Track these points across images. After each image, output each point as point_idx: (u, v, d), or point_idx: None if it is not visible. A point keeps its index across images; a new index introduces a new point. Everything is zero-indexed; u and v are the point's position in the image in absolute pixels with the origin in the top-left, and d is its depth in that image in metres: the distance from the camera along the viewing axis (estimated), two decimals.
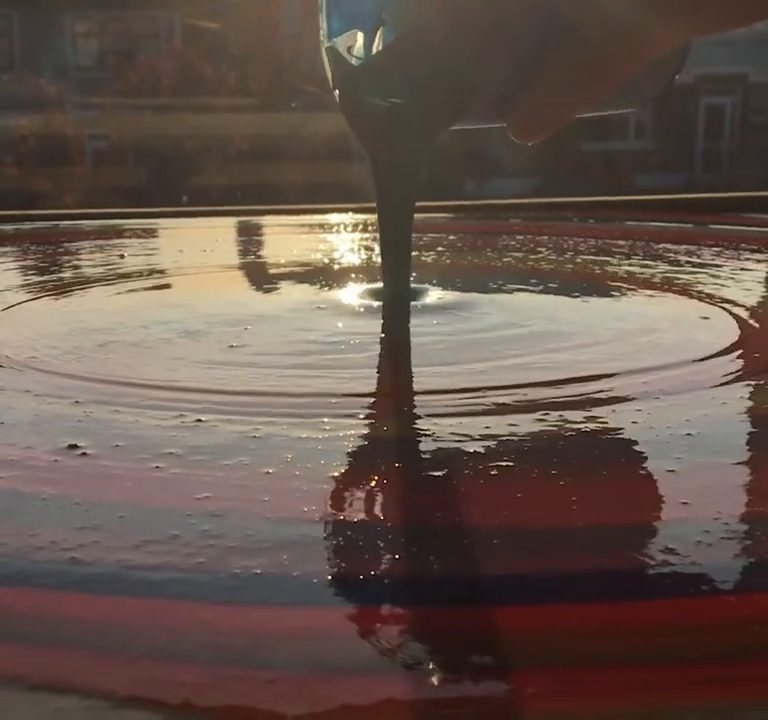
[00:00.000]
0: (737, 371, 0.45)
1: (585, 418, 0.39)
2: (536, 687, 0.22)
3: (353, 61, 0.43)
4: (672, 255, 0.80)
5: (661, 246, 0.85)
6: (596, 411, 0.40)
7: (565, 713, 0.21)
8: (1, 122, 6.79)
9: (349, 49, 0.43)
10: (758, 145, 9.13)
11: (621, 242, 0.89)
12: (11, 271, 0.80)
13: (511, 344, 0.50)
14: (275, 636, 0.24)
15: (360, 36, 0.43)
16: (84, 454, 0.35)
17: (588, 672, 0.23)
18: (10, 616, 0.25)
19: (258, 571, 0.27)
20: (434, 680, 0.22)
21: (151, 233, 1.03)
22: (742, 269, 0.73)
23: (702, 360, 0.47)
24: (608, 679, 0.22)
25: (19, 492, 0.33)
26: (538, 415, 0.39)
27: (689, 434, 0.37)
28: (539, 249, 0.84)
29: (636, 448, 0.36)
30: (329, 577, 0.27)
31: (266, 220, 1.12)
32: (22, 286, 0.71)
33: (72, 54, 8.17)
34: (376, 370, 0.47)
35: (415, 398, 0.43)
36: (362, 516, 0.31)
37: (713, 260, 0.78)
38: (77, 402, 0.41)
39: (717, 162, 8.96)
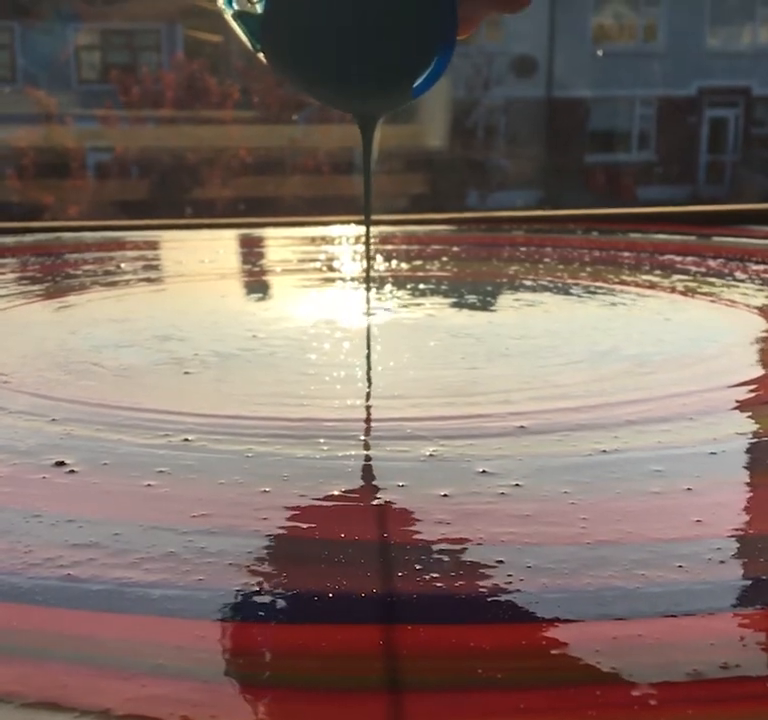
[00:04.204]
0: None
1: (610, 437, 0.38)
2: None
3: (257, 7, 0.42)
4: (714, 268, 0.80)
5: (688, 258, 0.85)
6: (620, 432, 0.39)
7: None
8: (3, 134, 6.81)
9: (249, 1, 0.43)
10: (761, 157, 9.15)
11: (643, 256, 0.88)
12: (5, 283, 0.79)
13: (540, 363, 0.50)
14: (277, 654, 0.24)
15: None
16: (72, 472, 0.35)
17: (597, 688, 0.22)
18: (6, 633, 0.25)
19: (258, 588, 0.27)
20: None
21: (152, 245, 1.03)
22: None
23: (743, 384, 0.47)
24: (623, 693, 0.22)
25: (11, 509, 0.32)
26: (558, 436, 0.38)
27: (713, 453, 0.36)
28: (564, 262, 0.84)
29: (655, 467, 0.36)
30: (330, 595, 0.26)
31: (267, 232, 1.12)
32: (13, 296, 0.70)
33: (74, 66, 8.20)
34: (375, 393, 0.46)
35: (422, 422, 0.42)
36: (364, 534, 0.30)
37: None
38: (54, 420, 0.41)
39: (720, 174, 8.97)
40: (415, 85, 0.43)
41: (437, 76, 0.43)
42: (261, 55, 0.43)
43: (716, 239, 0.99)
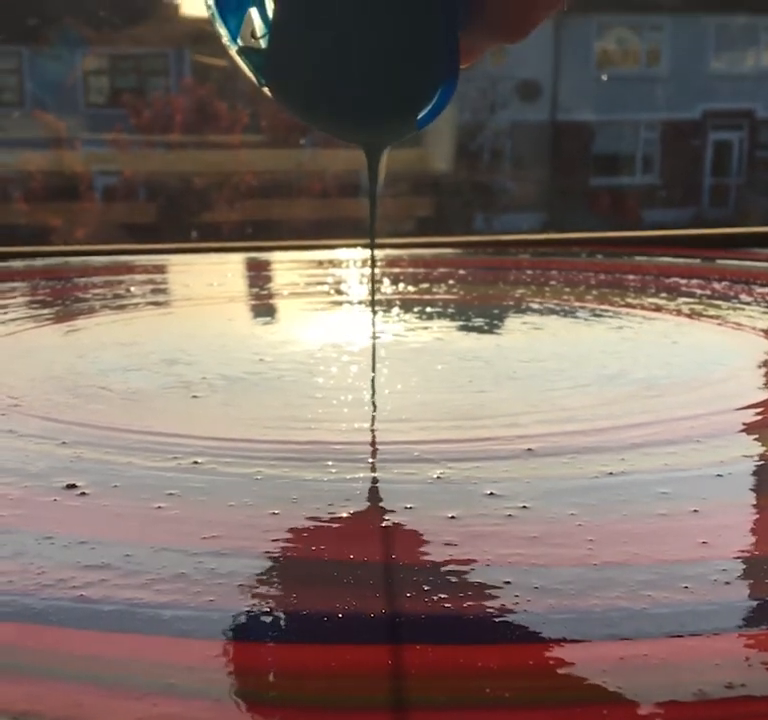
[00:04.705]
0: None
1: (617, 460, 0.39)
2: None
3: (262, 43, 0.43)
4: (719, 291, 0.80)
5: (693, 281, 0.85)
6: (627, 454, 0.39)
7: None
8: (12, 158, 6.85)
9: (252, 34, 0.43)
10: (765, 180, 9.16)
11: (651, 278, 0.89)
12: (15, 307, 0.80)
13: (548, 386, 0.50)
14: (287, 674, 0.24)
15: (255, 13, 0.43)
16: (83, 494, 0.35)
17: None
18: (19, 653, 0.25)
19: (268, 609, 0.27)
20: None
21: (160, 269, 1.03)
22: None
23: (750, 407, 0.47)
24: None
25: (24, 531, 0.32)
26: (565, 459, 0.39)
27: (719, 475, 0.37)
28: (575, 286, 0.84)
29: (661, 489, 0.36)
30: (339, 615, 0.26)
31: (274, 256, 1.13)
32: (22, 320, 0.71)
33: (81, 90, 8.26)
34: (382, 416, 0.46)
35: (429, 445, 0.42)
36: (372, 555, 0.31)
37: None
38: (64, 443, 0.41)
39: (724, 197, 8.99)
40: (420, 116, 0.44)
41: (441, 108, 0.43)
42: (266, 89, 0.44)
43: (721, 262, 1.00)
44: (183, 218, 6.40)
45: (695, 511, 0.33)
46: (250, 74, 0.44)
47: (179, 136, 7.16)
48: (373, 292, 0.56)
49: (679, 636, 0.26)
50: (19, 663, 0.25)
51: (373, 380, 0.51)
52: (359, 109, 0.44)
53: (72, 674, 0.24)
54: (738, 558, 0.30)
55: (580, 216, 7.76)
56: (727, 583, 0.28)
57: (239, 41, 0.43)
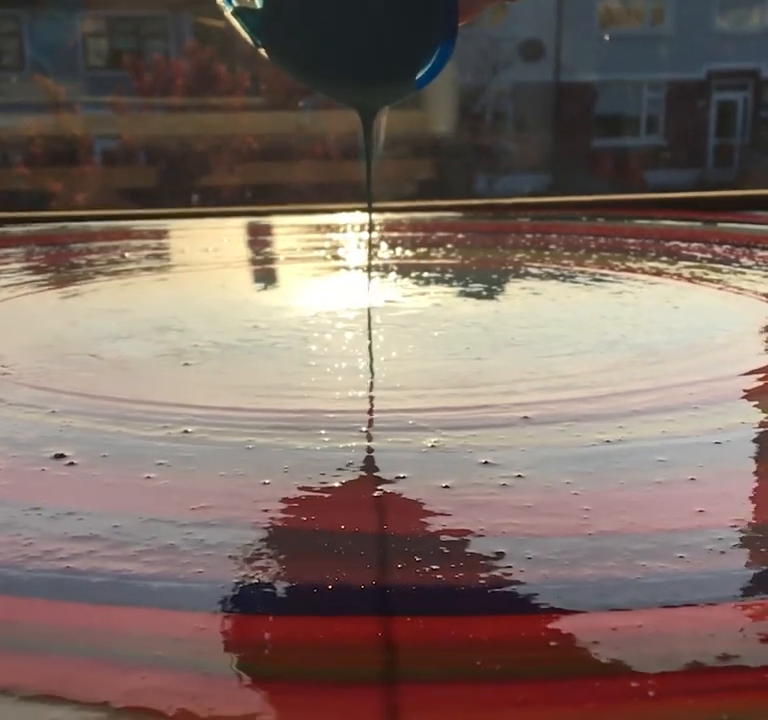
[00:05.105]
0: None
1: (615, 428, 0.38)
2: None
3: (257, 2, 0.42)
4: (720, 255, 0.80)
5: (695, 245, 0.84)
6: (625, 422, 0.39)
7: None
8: (11, 122, 6.81)
9: None
10: None
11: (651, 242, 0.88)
12: (9, 273, 0.79)
13: (546, 353, 0.50)
14: (277, 646, 0.24)
15: None
16: (72, 464, 0.35)
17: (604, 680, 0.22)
18: (4, 626, 0.25)
19: (257, 581, 0.26)
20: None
21: (157, 234, 1.03)
22: None
23: (751, 373, 0.46)
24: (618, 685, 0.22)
25: (11, 501, 0.32)
26: (562, 427, 0.38)
27: (717, 443, 0.36)
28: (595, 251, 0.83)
29: (659, 457, 0.35)
30: (329, 586, 0.26)
31: (273, 220, 1.12)
32: (15, 286, 0.70)
33: (81, 54, 8.18)
34: (376, 384, 0.46)
35: (424, 413, 0.41)
36: (364, 526, 0.30)
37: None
38: (54, 412, 0.41)
39: (729, 158, 8.92)
40: (418, 77, 0.43)
41: (439, 67, 0.43)
42: (262, 51, 0.43)
43: (722, 225, 0.99)
44: (184, 182, 6.37)
45: (692, 479, 0.33)
46: (246, 35, 0.43)
47: (179, 99, 7.11)
48: (369, 257, 0.55)
49: (673, 606, 0.25)
50: (4, 636, 0.24)
51: (369, 347, 0.51)
52: (356, 70, 0.43)
53: (58, 647, 0.24)
54: (735, 527, 0.30)
55: (583, 178, 7.72)
56: (723, 552, 0.28)
57: (234, 1, 0.42)
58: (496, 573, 0.27)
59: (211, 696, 0.21)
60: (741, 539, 0.29)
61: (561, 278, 0.70)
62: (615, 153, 8.68)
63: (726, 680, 0.22)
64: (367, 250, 0.53)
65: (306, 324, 0.56)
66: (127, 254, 0.84)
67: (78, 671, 0.23)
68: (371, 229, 0.54)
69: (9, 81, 8.04)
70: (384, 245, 0.84)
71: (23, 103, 7.38)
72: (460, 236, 0.95)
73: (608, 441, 0.36)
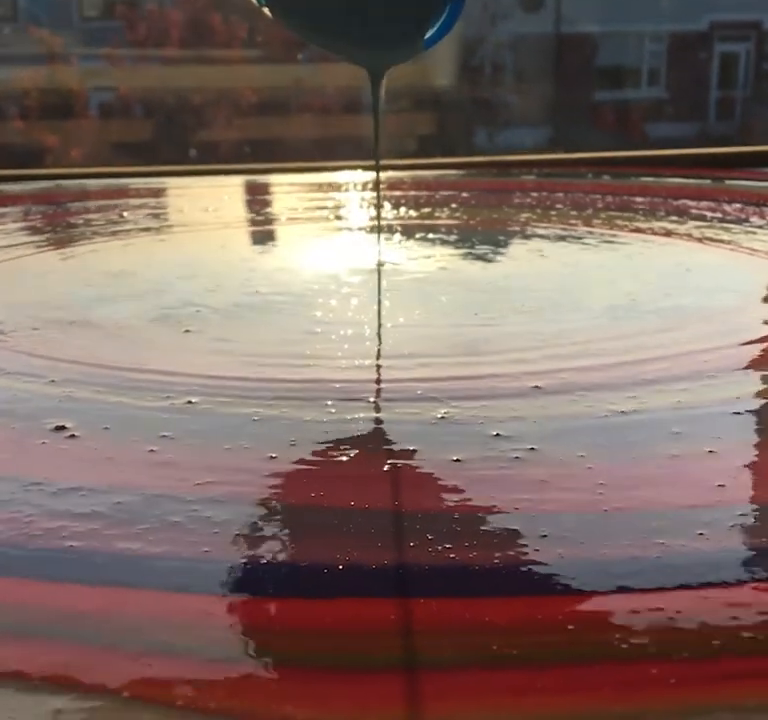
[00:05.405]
0: None
1: (628, 398, 0.37)
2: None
3: None
4: (730, 214, 0.78)
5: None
6: (638, 391, 0.38)
7: None
8: (5, 75, 6.73)
9: None
10: None
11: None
12: (4, 234, 0.78)
13: (557, 319, 0.49)
14: (283, 629, 0.23)
15: None
16: (73, 436, 0.34)
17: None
18: (5, 609, 0.24)
19: (266, 561, 0.26)
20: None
21: (156, 192, 1.01)
22: None
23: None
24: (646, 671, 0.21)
25: (11, 477, 0.31)
26: (574, 397, 0.37)
27: (736, 413, 0.35)
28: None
29: (674, 428, 0.34)
30: (340, 566, 0.25)
31: (273, 178, 1.10)
32: (10, 248, 0.69)
33: (75, 3, 8.08)
34: (384, 352, 0.45)
35: (433, 383, 0.40)
36: (374, 502, 0.29)
37: None
38: (53, 382, 0.40)
39: (731, 110, 8.85)
40: (427, 36, 0.42)
41: (449, 26, 0.41)
42: (266, 10, 0.42)
43: (730, 182, 0.97)
44: (181, 136, 6.31)
45: (710, 452, 0.32)
46: None
47: (175, 51, 7.03)
48: (378, 218, 0.54)
49: (695, 587, 0.24)
50: (4, 620, 0.23)
51: (377, 313, 0.50)
52: (364, 29, 0.42)
53: (60, 632, 0.23)
54: (757, 502, 0.29)
55: (584, 130, 7.66)
56: (745, 529, 0.27)
57: None
58: (510, 552, 0.26)
59: (217, 683, 0.21)
60: (765, 515, 0.28)
61: (569, 239, 0.69)
62: (616, 106, 8.60)
63: (751, 665, 0.22)
64: (377, 211, 0.52)
65: (310, 289, 0.55)
66: (125, 214, 0.83)
67: (80, 658, 0.22)
68: (379, 191, 0.53)
69: (2, 32, 7.94)
70: (388, 205, 0.83)
71: (17, 55, 7.29)
72: (464, 195, 0.93)
73: (622, 412, 0.36)
